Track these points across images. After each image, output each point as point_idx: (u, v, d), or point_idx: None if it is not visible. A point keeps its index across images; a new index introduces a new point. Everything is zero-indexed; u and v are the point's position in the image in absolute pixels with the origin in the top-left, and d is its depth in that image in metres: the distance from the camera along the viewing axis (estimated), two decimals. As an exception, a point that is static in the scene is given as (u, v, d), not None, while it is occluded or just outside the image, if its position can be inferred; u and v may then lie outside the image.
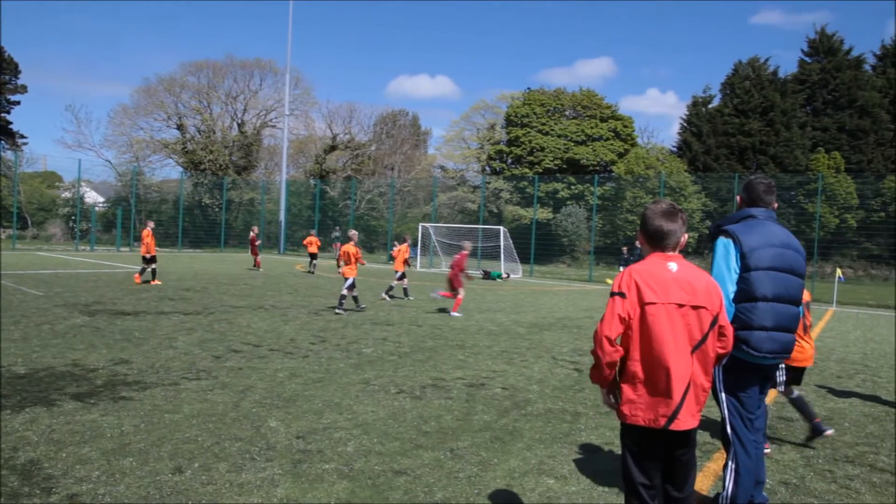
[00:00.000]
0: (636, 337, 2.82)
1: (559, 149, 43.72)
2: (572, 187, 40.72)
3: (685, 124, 45.17)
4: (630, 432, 2.93)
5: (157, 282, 16.35)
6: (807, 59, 44.85)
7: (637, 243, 27.60)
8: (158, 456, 4.45)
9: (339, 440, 4.96)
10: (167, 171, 54.14)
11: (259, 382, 6.65)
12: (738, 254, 3.63)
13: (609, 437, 5.38)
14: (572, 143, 43.88)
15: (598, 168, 44.09)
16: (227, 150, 45.07)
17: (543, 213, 39.17)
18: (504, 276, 25.53)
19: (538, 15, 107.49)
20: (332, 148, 49.35)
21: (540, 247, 32.49)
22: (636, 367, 2.84)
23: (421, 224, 31.73)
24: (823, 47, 43.89)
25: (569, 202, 39.45)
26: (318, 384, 6.71)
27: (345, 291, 12.86)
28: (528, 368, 8.08)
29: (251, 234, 25.75)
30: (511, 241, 28.25)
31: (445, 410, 5.94)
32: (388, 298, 15.21)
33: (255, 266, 24.28)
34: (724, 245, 3.68)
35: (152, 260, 16.44)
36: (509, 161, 47.05)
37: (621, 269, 28.29)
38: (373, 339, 9.71)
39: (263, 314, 11.73)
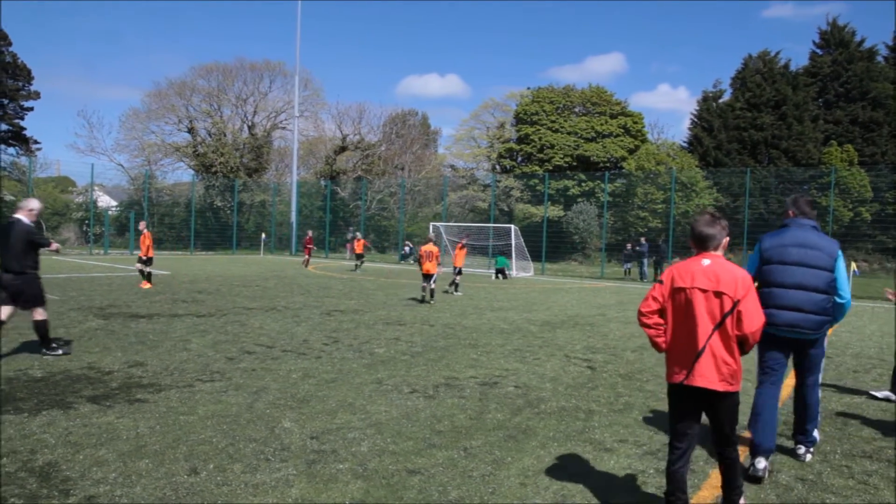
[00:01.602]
0: (669, 314, 3.68)
1: (569, 146, 43.52)
2: (583, 184, 40.53)
3: (696, 119, 44.76)
4: (668, 389, 3.75)
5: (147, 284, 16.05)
6: (818, 51, 44.29)
7: (642, 240, 27.76)
8: (174, 457, 4.48)
9: (353, 440, 4.98)
10: (179, 175, 54.34)
11: (272, 383, 6.68)
12: (758, 252, 4.86)
13: (623, 435, 5.36)
14: (582, 140, 43.66)
15: (608, 165, 43.84)
16: (238, 152, 45.29)
17: (554, 211, 39.04)
18: (508, 271, 25.51)
19: (548, 13, 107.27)
20: (342, 149, 49.45)
21: (551, 244, 32.40)
22: (668, 335, 3.69)
23: (432, 223, 31.71)
24: (835, 39, 43.37)
25: (579, 199, 39.25)
26: (332, 384, 6.73)
27: (433, 285, 14.74)
28: (540, 367, 8.06)
29: (308, 235, 29.52)
30: (522, 240, 28.18)
31: (458, 409, 5.94)
32: (460, 293, 17.12)
33: (305, 265, 27.61)
34: (755, 248, 4.96)
35: (148, 262, 16.12)
36: (519, 159, 46.90)
37: (626, 265, 28.28)
38: (385, 339, 9.72)
39: (276, 315, 11.78)
